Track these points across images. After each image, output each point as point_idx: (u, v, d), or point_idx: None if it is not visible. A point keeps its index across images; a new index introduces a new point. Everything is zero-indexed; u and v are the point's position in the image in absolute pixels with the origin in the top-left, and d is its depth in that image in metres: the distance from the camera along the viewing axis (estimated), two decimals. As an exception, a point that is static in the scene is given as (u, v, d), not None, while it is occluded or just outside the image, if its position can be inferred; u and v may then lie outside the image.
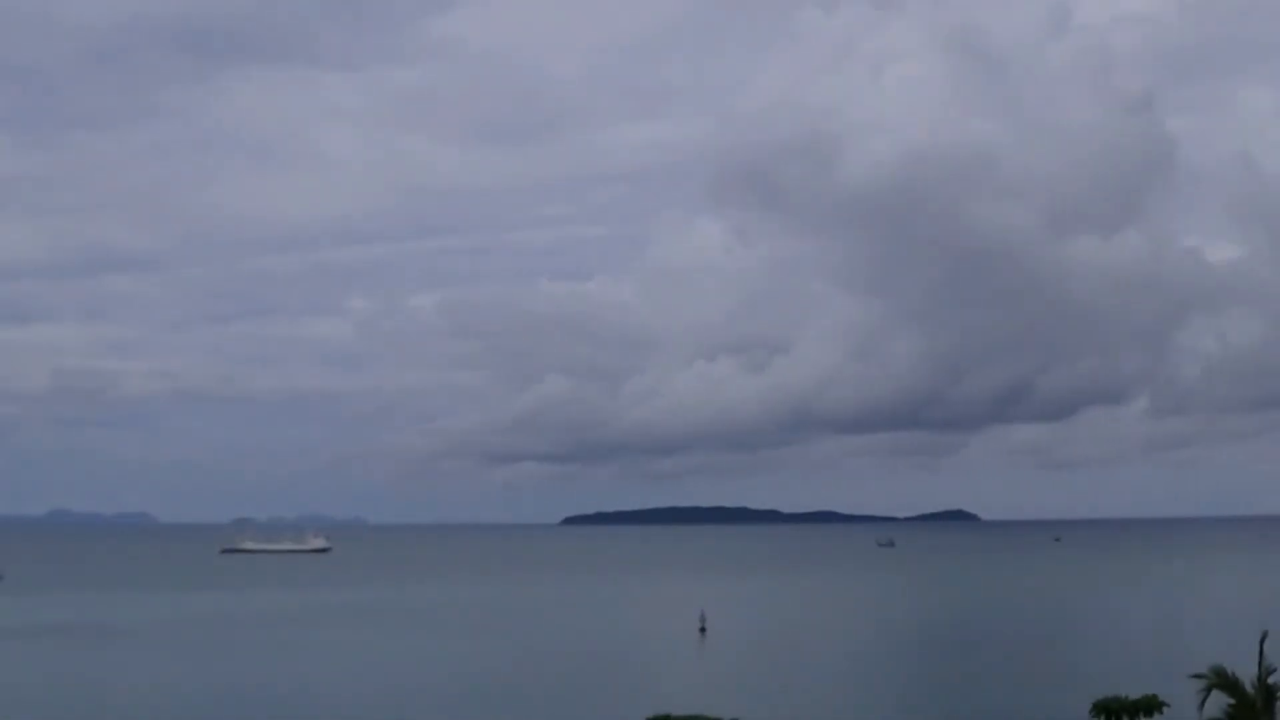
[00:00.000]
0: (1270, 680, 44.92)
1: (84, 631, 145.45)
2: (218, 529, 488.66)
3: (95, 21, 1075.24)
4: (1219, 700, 45.07)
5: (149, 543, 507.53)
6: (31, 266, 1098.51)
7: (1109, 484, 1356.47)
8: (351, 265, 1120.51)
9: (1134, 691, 59.32)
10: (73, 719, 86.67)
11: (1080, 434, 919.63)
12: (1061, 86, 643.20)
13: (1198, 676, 45.65)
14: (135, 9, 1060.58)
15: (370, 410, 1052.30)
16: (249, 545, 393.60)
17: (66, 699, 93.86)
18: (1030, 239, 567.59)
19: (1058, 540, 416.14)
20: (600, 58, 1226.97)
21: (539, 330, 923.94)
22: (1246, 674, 44.86)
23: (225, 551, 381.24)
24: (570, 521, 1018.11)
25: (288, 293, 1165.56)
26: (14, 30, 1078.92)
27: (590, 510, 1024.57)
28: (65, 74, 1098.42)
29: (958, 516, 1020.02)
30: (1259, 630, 45.98)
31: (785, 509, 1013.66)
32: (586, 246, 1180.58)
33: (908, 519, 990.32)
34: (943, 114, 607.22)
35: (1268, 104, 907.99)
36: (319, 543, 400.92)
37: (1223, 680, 44.98)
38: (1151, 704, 57.47)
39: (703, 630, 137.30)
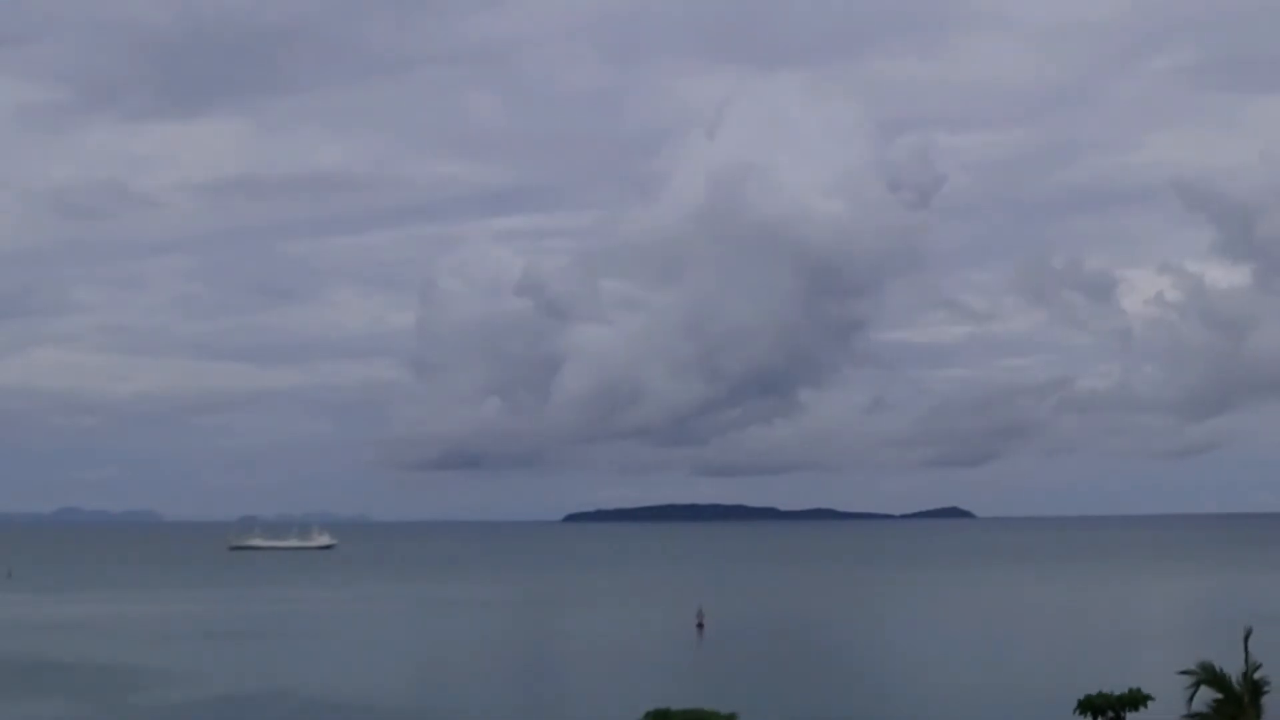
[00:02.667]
0: (1256, 676, 45.75)
1: (90, 628, 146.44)
2: (225, 526, 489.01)
3: (153, 22, 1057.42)
4: (1206, 695, 45.94)
5: (156, 540, 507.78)
6: (42, 258, 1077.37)
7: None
8: (375, 251, 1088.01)
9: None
10: (74, 715, 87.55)
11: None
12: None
13: (1186, 672, 46.42)
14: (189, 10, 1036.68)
15: (378, 405, 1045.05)
16: (256, 543, 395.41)
17: (71, 695, 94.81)
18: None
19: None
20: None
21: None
22: (1233, 670, 45.74)
23: (233, 549, 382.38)
24: (572, 519, 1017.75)
25: (305, 282, 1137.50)
26: (76, 28, 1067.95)
27: (591, 508, 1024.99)
28: (123, 71, 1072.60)
29: (954, 514, 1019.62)
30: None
31: (783, 507, 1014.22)
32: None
33: (904, 516, 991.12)
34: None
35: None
36: (324, 540, 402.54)
37: (1210, 676, 45.82)
38: (1136, 699, 58.55)
39: (700, 626, 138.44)
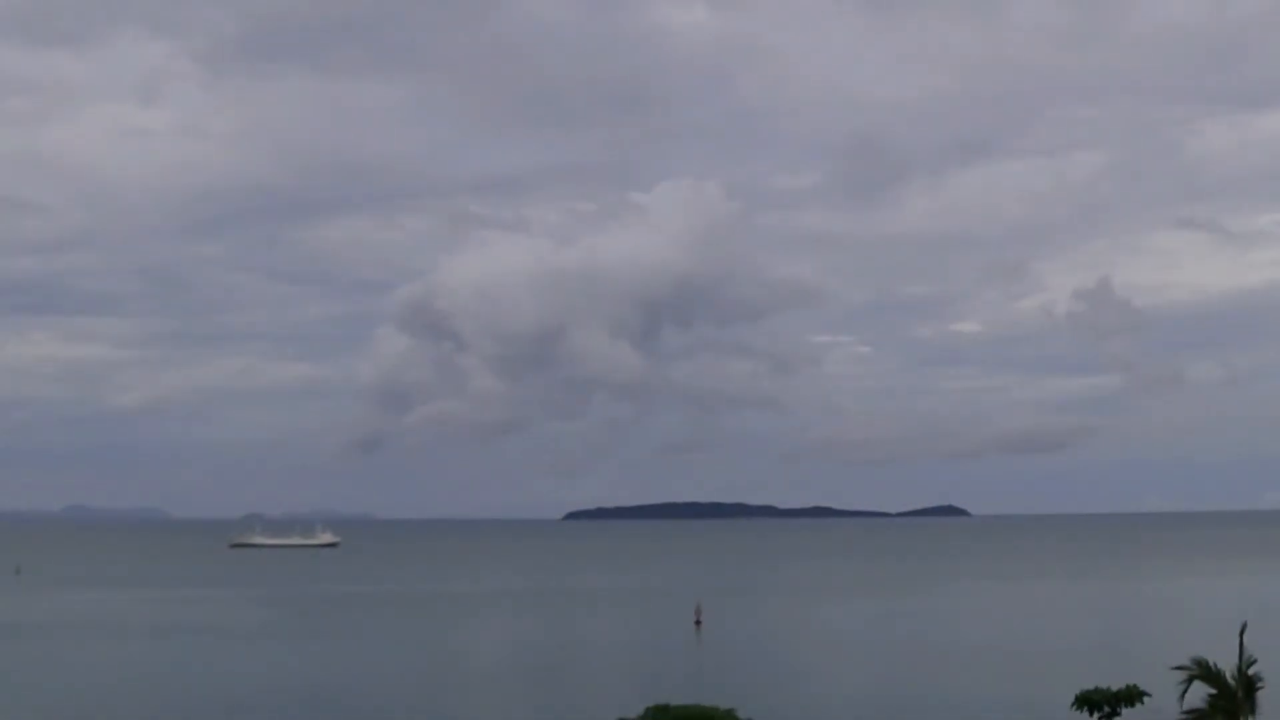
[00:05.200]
0: (1250, 671, 45.93)
1: (94, 625, 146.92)
2: (230, 524, 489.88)
3: (220, 26, 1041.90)
4: (1200, 690, 46.11)
5: (159, 538, 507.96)
6: (63, 248, 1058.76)
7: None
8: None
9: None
10: (75, 710, 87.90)
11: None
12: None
13: (1180, 668, 46.55)
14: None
15: (384, 401, 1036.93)
16: (258, 540, 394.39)
17: (74, 690, 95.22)
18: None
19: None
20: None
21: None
22: (1227, 665, 45.92)
23: (234, 546, 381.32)
24: (572, 516, 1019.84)
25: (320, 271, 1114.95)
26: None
27: (591, 506, 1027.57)
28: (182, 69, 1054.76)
29: (948, 511, 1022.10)
30: None
31: (781, 505, 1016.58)
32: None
33: (900, 514, 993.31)
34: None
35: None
36: (327, 538, 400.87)
37: (1204, 671, 45.93)
38: (1133, 694, 58.78)
39: (698, 622, 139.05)
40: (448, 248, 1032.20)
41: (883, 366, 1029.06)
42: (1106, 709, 59.24)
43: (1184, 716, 45.56)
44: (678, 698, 58.58)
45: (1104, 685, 60.79)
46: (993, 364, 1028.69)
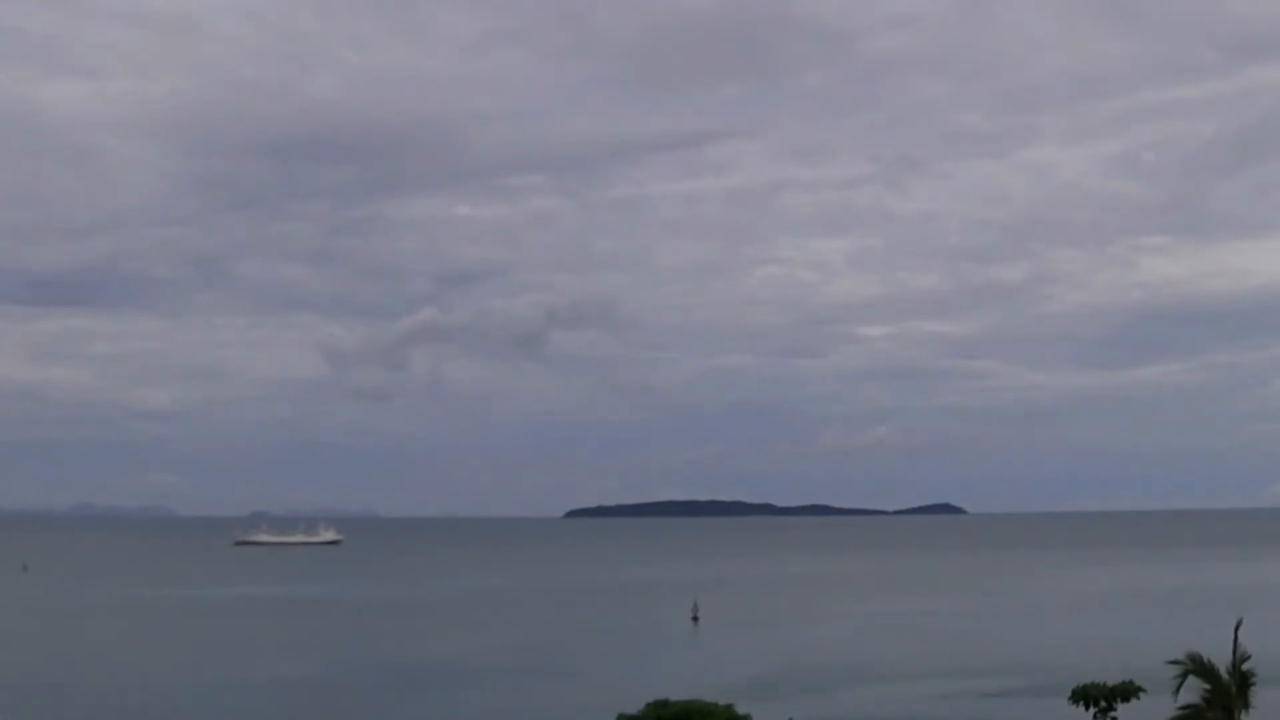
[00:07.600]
0: (1244, 666, 46.14)
1: (98, 622, 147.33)
2: (235, 522, 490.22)
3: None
4: (1195, 686, 46.35)
5: (165, 536, 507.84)
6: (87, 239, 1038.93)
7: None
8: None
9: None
10: (79, 705, 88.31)
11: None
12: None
13: (1174, 663, 46.83)
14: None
15: (388, 399, 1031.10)
16: (262, 538, 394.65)
17: (78, 686, 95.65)
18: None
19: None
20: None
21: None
22: (1222, 660, 46.17)
23: (239, 544, 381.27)
24: (573, 515, 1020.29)
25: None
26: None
27: (592, 504, 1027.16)
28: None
29: (945, 510, 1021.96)
30: None
31: (779, 503, 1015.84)
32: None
33: (897, 512, 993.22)
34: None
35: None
36: (330, 535, 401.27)
37: (1199, 666, 46.17)
38: (1128, 690, 59.29)
39: (695, 619, 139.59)
40: (492, 234, 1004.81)
41: (896, 360, 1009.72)
42: (1103, 703, 59.75)
43: (1179, 711, 45.75)
44: (676, 693, 58.96)
45: (1100, 680, 61.30)
46: (1003, 361, 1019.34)
